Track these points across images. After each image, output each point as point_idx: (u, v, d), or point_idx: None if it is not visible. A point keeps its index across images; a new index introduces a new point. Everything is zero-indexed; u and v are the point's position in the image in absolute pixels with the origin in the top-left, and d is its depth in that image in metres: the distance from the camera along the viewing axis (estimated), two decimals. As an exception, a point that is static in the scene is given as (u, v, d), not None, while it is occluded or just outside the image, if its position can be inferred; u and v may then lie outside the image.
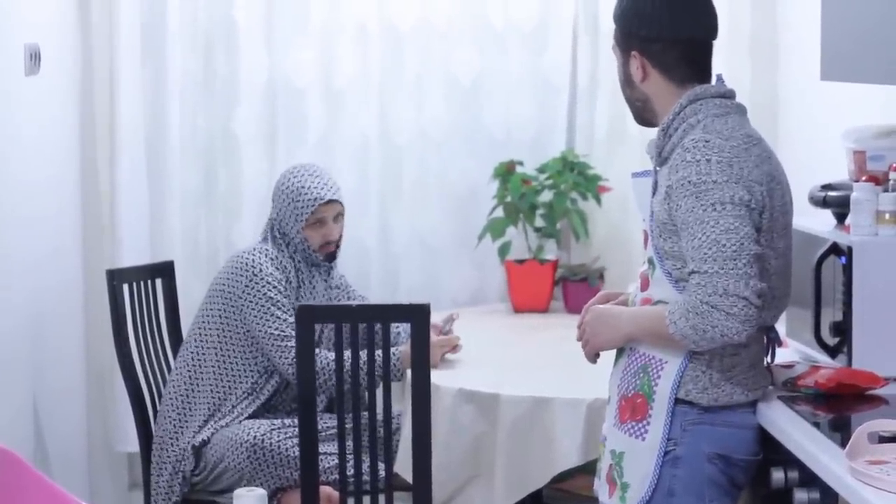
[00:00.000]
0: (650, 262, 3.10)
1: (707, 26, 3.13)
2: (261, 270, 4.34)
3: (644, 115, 3.19)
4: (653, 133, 3.15)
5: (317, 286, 4.48)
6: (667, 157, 3.07)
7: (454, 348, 4.39)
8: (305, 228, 4.40)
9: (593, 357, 3.20)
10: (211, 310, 4.40)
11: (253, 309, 4.32)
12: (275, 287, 4.34)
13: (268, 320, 4.31)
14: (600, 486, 3.20)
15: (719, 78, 3.14)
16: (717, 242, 2.91)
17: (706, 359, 3.02)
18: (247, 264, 4.35)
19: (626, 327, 3.10)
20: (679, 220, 2.98)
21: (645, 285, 3.13)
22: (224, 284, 4.38)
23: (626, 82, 3.17)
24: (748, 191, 2.96)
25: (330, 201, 4.42)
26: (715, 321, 2.89)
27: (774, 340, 3.17)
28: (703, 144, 2.97)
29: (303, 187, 4.41)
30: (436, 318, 4.29)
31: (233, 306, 4.35)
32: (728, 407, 3.04)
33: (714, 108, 3.06)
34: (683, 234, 2.97)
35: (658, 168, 3.10)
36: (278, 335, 4.30)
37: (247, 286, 4.33)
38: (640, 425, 3.06)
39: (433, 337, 4.24)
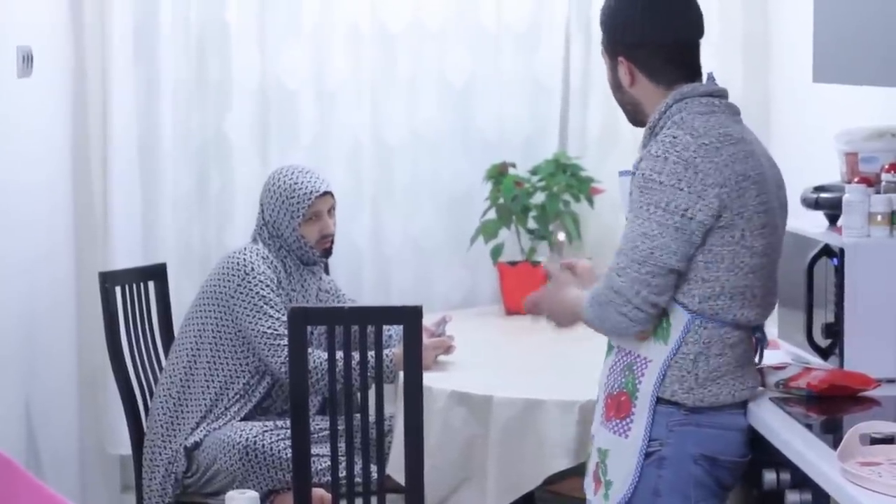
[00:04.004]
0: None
1: (691, 27, 3.13)
2: (253, 269, 4.33)
3: (637, 118, 3.19)
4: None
5: (308, 289, 4.47)
6: None
7: (448, 349, 4.39)
8: (301, 226, 4.40)
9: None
10: (202, 310, 4.39)
11: (245, 307, 4.31)
12: (267, 286, 4.33)
13: (260, 319, 4.30)
14: (588, 484, 3.20)
15: (710, 76, 3.13)
16: (632, 241, 2.96)
17: (691, 359, 3.02)
18: (239, 263, 4.35)
19: (576, 311, 3.11)
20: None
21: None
22: (216, 284, 4.38)
23: (616, 87, 3.19)
24: (698, 196, 2.93)
25: (324, 193, 4.43)
26: (609, 314, 2.98)
27: (761, 341, 3.15)
28: (670, 140, 2.98)
29: (295, 184, 4.40)
30: (428, 321, 4.29)
31: (224, 306, 4.35)
32: (715, 408, 3.04)
33: (699, 106, 3.05)
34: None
35: None
36: (271, 334, 4.30)
37: (239, 285, 4.32)
38: (624, 423, 3.07)
39: (426, 339, 4.24)
